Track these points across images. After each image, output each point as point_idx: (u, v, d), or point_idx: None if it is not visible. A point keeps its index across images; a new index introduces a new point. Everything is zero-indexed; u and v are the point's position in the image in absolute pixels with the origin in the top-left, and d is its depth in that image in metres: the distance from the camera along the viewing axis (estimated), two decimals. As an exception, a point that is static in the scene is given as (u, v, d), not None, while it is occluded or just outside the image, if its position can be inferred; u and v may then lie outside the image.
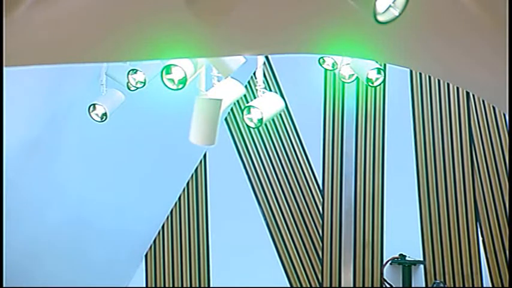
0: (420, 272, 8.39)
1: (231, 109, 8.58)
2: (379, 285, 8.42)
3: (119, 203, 8.11)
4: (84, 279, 8.22)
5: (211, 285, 8.69)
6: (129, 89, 6.25)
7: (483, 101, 8.31)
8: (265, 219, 8.66)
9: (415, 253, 8.40)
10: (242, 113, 5.53)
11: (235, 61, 4.76)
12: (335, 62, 5.77)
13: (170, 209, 8.72)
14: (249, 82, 7.88)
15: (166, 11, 3.54)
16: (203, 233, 8.70)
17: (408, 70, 8.24)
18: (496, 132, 8.34)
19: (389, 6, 3.72)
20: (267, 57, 8.03)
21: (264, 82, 5.63)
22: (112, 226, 8.20)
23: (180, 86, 4.83)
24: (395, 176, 8.49)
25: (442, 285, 8.22)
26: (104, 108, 6.54)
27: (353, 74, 5.86)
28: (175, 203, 8.73)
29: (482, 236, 8.36)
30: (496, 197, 8.34)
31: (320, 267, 8.58)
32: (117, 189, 8.01)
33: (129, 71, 6.14)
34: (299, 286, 8.61)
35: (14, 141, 6.59)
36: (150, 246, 8.73)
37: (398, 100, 8.50)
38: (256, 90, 5.60)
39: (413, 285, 8.32)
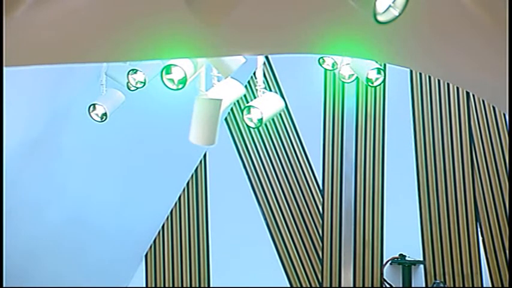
0: (420, 272, 8.39)
1: (231, 109, 8.58)
2: (379, 285, 8.42)
3: (119, 203, 8.11)
4: (84, 279, 8.22)
5: (211, 285, 8.69)
6: (129, 89, 6.25)
7: (483, 101, 8.31)
8: (265, 219, 8.66)
9: (415, 253, 8.40)
10: (242, 113, 5.53)
11: (235, 61, 4.76)
12: (335, 62, 5.77)
13: (170, 209, 8.72)
14: (249, 82, 7.88)
15: (166, 11, 3.54)
16: (203, 233, 8.70)
17: (408, 70, 8.24)
18: (496, 132, 8.34)
19: (389, 6, 3.72)
20: (267, 57, 8.03)
21: (264, 82, 5.63)
22: (112, 226, 8.20)
23: (180, 86, 4.83)
24: (395, 175, 8.49)
25: (442, 285, 8.22)
26: (104, 108, 6.54)
27: (353, 74, 5.86)
28: (175, 203, 8.73)
29: (482, 236, 8.36)
30: (496, 197, 8.34)
31: (320, 267, 8.58)
32: (117, 189, 8.01)
33: (129, 71, 6.14)
34: (299, 286, 8.61)
35: (14, 141, 6.59)
36: (150, 246, 8.73)
37: (398, 100, 8.50)
38: (256, 90, 5.60)
39: (413, 285, 8.32)
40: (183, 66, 4.78)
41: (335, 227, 8.54)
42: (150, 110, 7.53)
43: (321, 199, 8.60)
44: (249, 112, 5.47)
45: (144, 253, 8.74)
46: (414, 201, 8.44)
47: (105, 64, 6.45)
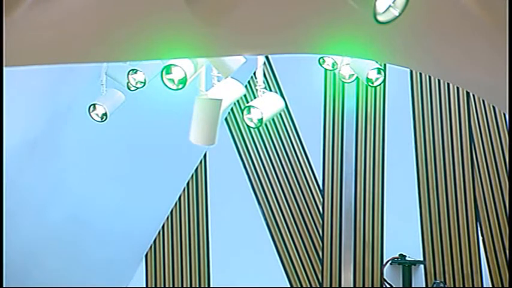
0: (420, 272, 8.39)
1: (231, 109, 8.58)
2: (379, 285, 8.42)
3: (119, 203, 8.11)
4: (84, 279, 8.22)
5: (211, 285, 8.69)
6: (129, 89, 6.25)
7: (483, 101, 8.31)
8: (265, 219, 8.66)
9: (415, 253, 8.40)
10: (242, 113, 5.53)
11: (235, 61, 4.76)
12: (335, 62, 5.77)
13: (170, 209, 8.72)
14: (249, 82, 7.88)
15: (166, 11, 3.54)
16: (203, 233, 8.70)
17: (408, 70, 8.24)
18: (496, 132, 8.34)
19: (389, 6, 3.72)
20: (267, 57, 8.03)
21: (264, 82, 5.63)
22: (112, 226, 8.20)
23: (180, 86, 4.83)
24: (395, 176, 8.49)
25: (442, 285, 8.22)
26: (104, 108, 6.54)
27: (353, 74, 5.86)
28: (175, 203, 8.73)
29: (482, 236, 8.36)
30: (496, 197, 8.34)
31: (320, 267, 8.58)
32: (117, 189, 8.01)
33: (129, 71, 6.14)
34: (299, 286, 8.61)
35: (14, 141, 6.59)
36: (150, 246, 8.73)
37: (398, 100, 8.50)
38: (256, 90, 5.60)
39: (413, 285, 8.32)
40: (183, 66, 4.78)
41: (335, 227, 8.54)
42: (150, 110, 7.53)
43: (321, 199, 8.60)
44: (249, 112, 5.47)
45: (144, 253, 8.74)
46: (414, 201, 8.44)
47: (105, 64, 6.45)
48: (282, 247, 8.63)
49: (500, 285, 8.31)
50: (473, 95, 8.27)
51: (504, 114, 8.27)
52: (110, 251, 8.36)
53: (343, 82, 6.09)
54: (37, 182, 7.27)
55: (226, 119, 8.61)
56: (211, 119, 4.92)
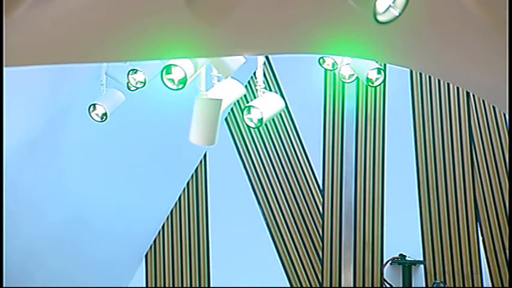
0: (420, 272, 8.39)
1: (231, 109, 8.58)
2: (379, 285, 8.42)
3: (119, 203, 8.11)
4: (84, 279, 8.22)
5: (211, 285, 8.69)
6: (129, 89, 6.25)
7: (483, 101, 8.31)
8: (265, 219, 8.66)
9: (415, 253, 8.40)
10: (242, 113, 5.53)
11: (235, 61, 4.76)
12: (335, 62, 5.77)
13: (170, 209, 8.73)
14: (249, 82, 7.88)
15: (166, 11, 3.54)
16: (203, 233, 8.70)
17: (408, 70, 8.24)
18: (496, 132, 8.34)
19: (389, 6, 3.73)
20: (267, 57, 8.03)
21: (264, 82, 5.63)
22: (112, 226, 8.20)
23: (180, 86, 4.84)
24: (395, 176, 8.49)
25: (442, 285, 8.22)
26: (104, 108, 6.54)
27: (353, 74, 5.86)
28: (175, 203, 8.73)
29: (482, 236, 8.36)
30: (496, 197, 8.34)
31: (320, 267, 8.58)
32: (117, 189, 8.01)
33: (129, 71, 6.14)
34: (299, 286, 8.61)
35: (14, 141, 6.59)
36: (150, 246, 8.73)
37: (398, 100, 8.50)
38: (256, 90, 5.60)
39: (413, 285, 8.32)
40: (183, 66, 4.78)
41: (335, 227, 8.54)
42: (150, 110, 7.53)
43: (321, 199, 8.60)
44: (249, 112, 5.47)
45: (144, 253, 8.74)
46: (414, 201, 8.44)
47: (105, 64, 6.45)
48: (282, 247, 8.63)
49: (500, 285, 8.31)
50: (473, 95, 8.27)
51: (504, 114, 8.27)
52: (110, 251, 8.36)
53: (343, 82, 6.09)
54: (37, 182, 7.26)
55: (226, 119, 8.61)
56: (211, 119, 4.92)
